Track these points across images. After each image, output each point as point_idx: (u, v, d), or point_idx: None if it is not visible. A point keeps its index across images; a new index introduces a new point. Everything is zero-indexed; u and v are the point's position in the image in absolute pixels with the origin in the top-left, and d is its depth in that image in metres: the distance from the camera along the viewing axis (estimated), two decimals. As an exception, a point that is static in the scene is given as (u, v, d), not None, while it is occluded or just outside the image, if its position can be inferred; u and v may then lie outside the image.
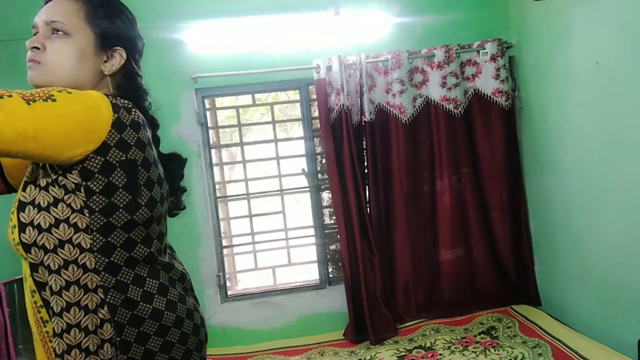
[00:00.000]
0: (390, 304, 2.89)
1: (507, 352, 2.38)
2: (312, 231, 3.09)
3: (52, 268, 0.93)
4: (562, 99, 2.53)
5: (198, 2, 2.83)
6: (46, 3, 1.03)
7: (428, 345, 2.59)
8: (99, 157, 0.90)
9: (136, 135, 0.95)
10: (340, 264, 3.11)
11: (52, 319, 0.93)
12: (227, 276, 3.02)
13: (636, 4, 1.96)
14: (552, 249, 2.79)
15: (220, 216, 3.02)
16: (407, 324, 2.84)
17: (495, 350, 2.43)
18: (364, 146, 2.91)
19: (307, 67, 2.83)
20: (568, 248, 2.62)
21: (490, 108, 2.90)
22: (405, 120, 2.86)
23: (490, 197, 2.96)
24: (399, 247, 2.92)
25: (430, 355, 2.49)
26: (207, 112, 3.00)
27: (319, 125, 2.93)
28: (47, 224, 0.93)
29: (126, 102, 0.97)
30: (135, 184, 0.94)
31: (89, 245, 0.93)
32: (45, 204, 0.93)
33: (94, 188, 0.91)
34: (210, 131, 3.01)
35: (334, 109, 2.83)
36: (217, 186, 3.00)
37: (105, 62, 1.04)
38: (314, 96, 2.97)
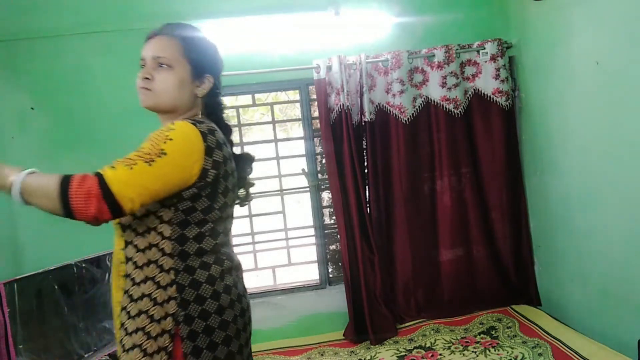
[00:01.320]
0: (390, 304, 2.89)
1: (507, 352, 2.38)
2: (312, 231, 3.09)
3: (139, 247, 1.16)
4: (562, 99, 2.52)
5: (198, 2, 2.83)
6: (148, 39, 1.27)
7: (428, 345, 2.59)
8: (199, 179, 1.15)
9: (221, 153, 1.19)
10: (340, 264, 3.11)
11: (132, 287, 1.15)
12: (227, 276, 3.01)
13: (636, 4, 1.96)
14: (552, 249, 2.79)
15: (220, 216, 3.01)
16: (407, 324, 2.84)
17: (495, 350, 2.43)
18: (364, 146, 2.91)
19: (307, 67, 2.83)
20: (568, 248, 2.62)
21: (490, 108, 2.90)
22: (405, 120, 2.86)
23: (490, 197, 2.96)
24: (399, 247, 2.92)
25: (430, 355, 2.49)
26: (207, 112, 2.99)
27: (319, 125, 2.93)
28: (141, 214, 1.15)
29: (207, 125, 1.18)
30: (215, 193, 1.19)
31: (169, 234, 1.15)
32: None
33: (185, 195, 1.15)
34: (210, 131, 3.01)
35: (334, 109, 2.83)
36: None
37: (198, 87, 1.27)
38: (314, 96, 2.97)
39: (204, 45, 1.31)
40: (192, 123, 1.16)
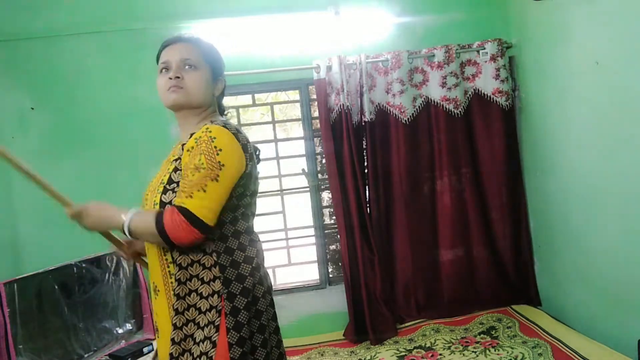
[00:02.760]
0: (390, 304, 2.89)
1: (507, 352, 2.38)
2: (312, 231, 3.09)
3: None
4: (562, 99, 2.52)
5: (198, 2, 2.83)
6: (167, 46, 1.39)
7: (428, 345, 2.59)
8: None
9: (251, 147, 1.34)
10: (340, 264, 3.11)
11: (179, 271, 1.28)
12: (227, 276, 3.01)
13: (636, 3, 1.96)
14: (552, 249, 2.79)
15: (220, 216, 3.01)
16: (407, 324, 2.84)
17: (495, 350, 2.43)
18: (364, 146, 2.91)
19: (307, 67, 2.83)
20: (568, 248, 2.62)
21: (490, 108, 2.89)
22: (405, 120, 2.86)
23: (490, 197, 2.95)
24: (399, 247, 2.92)
25: (430, 355, 2.49)
26: (207, 112, 2.99)
27: (319, 125, 2.93)
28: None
29: (234, 126, 1.33)
30: (248, 182, 1.33)
31: None
32: None
33: None
34: (210, 131, 3.01)
35: (334, 109, 2.83)
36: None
37: (215, 87, 1.43)
38: (314, 96, 2.97)
39: (215, 51, 1.46)
40: (223, 126, 1.29)
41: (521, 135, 2.96)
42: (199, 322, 1.27)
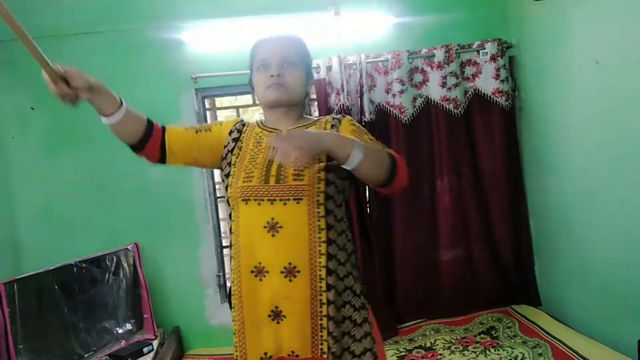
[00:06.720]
0: (390, 304, 2.89)
1: (507, 352, 2.38)
2: (312, 231, 3.08)
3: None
4: (562, 99, 2.52)
5: (198, 2, 2.83)
6: (262, 43, 1.38)
7: (428, 345, 2.59)
8: None
9: None
10: (340, 264, 3.11)
11: (339, 251, 1.33)
12: (227, 276, 3.02)
13: (636, 3, 1.96)
14: (552, 249, 2.79)
15: (220, 216, 3.02)
16: (407, 324, 2.84)
17: (495, 350, 2.43)
18: (364, 146, 2.90)
19: (307, 67, 2.83)
20: (568, 248, 2.62)
21: (490, 108, 2.89)
22: (405, 120, 2.86)
23: (490, 197, 2.95)
24: (398, 247, 2.92)
25: (430, 355, 2.49)
26: (207, 112, 3.00)
27: (319, 125, 2.93)
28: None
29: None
30: None
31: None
32: None
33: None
34: (210, 131, 3.01)
35: (334, 109, 2.83)
36: (217, 186, 2.99)
37: (309, 85, 1.45)
38: (314, 96, 2.97)
39: (308, 49, 1.45)
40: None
41: (521, 135, 2.96)
42: (355, 320, 1.31)
